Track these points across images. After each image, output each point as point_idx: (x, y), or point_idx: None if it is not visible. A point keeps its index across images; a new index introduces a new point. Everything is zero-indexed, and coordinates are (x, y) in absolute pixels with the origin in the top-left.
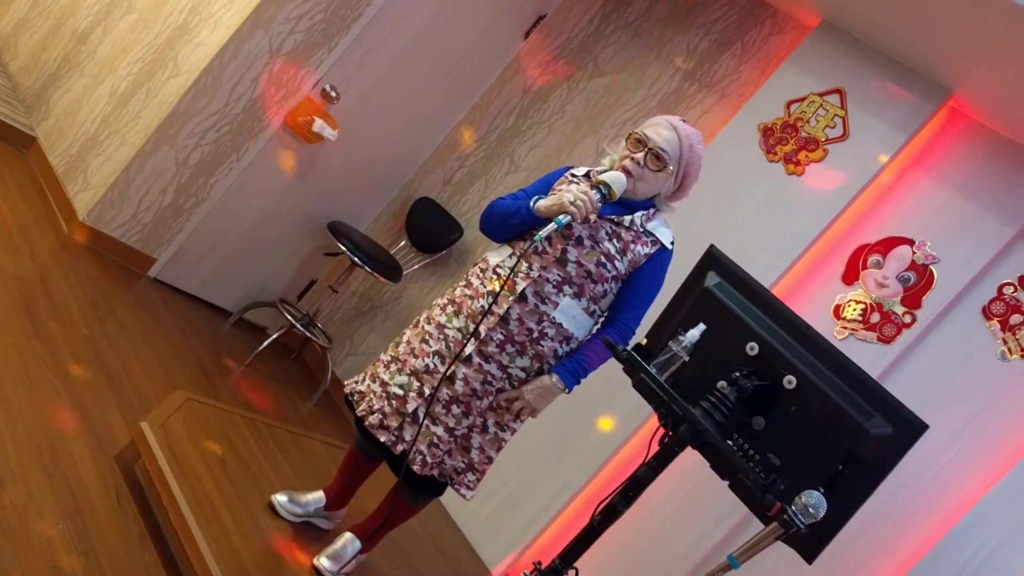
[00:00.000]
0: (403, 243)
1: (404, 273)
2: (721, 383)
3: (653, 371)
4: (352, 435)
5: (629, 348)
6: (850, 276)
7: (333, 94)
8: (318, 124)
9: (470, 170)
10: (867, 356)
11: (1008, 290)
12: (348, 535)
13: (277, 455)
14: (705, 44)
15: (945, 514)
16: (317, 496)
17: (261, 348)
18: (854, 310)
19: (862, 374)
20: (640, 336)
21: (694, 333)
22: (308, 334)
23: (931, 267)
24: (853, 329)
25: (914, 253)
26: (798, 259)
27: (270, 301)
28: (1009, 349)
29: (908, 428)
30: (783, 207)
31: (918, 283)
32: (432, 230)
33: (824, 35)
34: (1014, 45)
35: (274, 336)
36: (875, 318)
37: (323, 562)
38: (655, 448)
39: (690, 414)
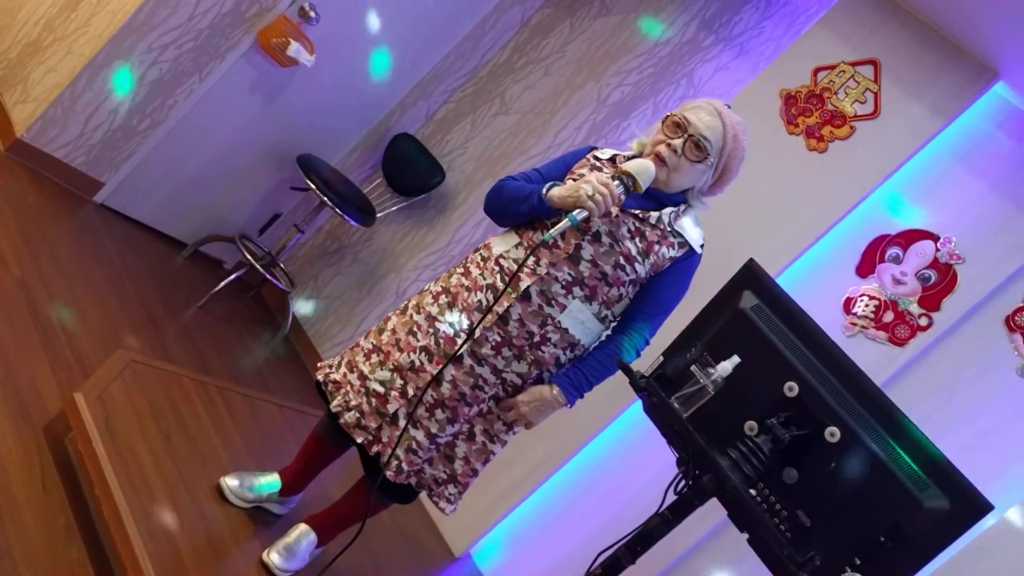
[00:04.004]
0: (378, 181)
1: (378, 216)
2: (750, 423)
3: (676, 406)
4: (311, 395)
5: (647, 374)
6: (865, 268)
7: (312, 14)
8: (294, 48)
9: (456, 106)
10: (876, 357)
11: None
12: (303, 527)
13: (229, 426)
14: None
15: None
16: (271, 479)
17: (216, 289)
18: (866, 306)
19: (919, 435)
20: (655, 345)
21: (726, 366)
22: (269, 275)
23: (955, 267)
24: (863, 327)
25: (937, 250)
26: (811, 244)
27: (229, 236)
28: None
29: (969, 506)
30: (800, 186)
31: (939, 283)
32: (411, 171)
33: None
34: None
35: (231, 278)
36: (888, 317)
37: (274, 558)
38: (671, 496)
39: (718, 466)
